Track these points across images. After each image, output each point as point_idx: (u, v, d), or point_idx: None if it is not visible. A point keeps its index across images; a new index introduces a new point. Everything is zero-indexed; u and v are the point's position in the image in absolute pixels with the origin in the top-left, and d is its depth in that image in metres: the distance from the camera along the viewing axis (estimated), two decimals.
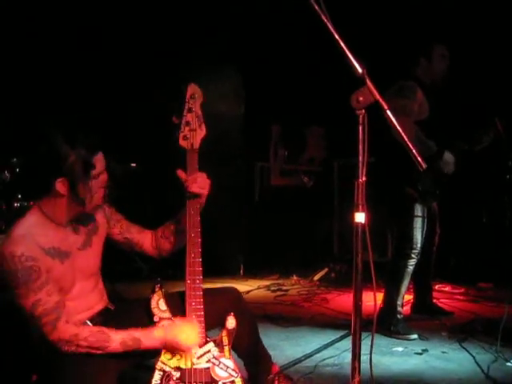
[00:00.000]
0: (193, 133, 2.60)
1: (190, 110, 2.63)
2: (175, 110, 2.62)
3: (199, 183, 2.56)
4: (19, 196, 5.12)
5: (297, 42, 6.79)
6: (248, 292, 6.20)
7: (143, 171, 7.05)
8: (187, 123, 2.61)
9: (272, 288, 6.50)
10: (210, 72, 6.87)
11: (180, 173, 2.57)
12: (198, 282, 2.51)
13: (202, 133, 2.63)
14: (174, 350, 2.44)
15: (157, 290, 2.57)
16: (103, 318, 2.59)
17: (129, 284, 5.62)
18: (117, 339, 2.34)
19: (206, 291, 2.56)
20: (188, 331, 2.43)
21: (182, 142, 2.60)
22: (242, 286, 6.45)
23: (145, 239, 2.80)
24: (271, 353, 3.05)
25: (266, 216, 7.74)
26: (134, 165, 7.00)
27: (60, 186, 2.34)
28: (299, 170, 8.35)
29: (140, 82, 6.70)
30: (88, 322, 2.52)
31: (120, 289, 4.99)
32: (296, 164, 8.37)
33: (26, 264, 2.25)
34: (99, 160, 2.41)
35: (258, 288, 6.49)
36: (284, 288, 6.50)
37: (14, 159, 5.13)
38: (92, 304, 2.59)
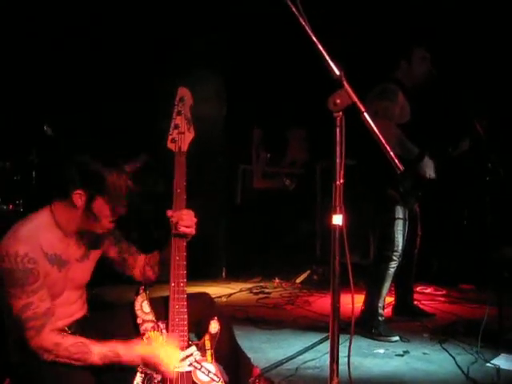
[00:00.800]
0: (181, 136, 2.61)
1: (179, 113, 2.63)
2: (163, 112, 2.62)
3: (186, 222, 2.53)
4: None
5: (277, 45, 6.79)
6: (230, 295, 6.18)
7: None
8: (176, 126, 2.61)
9: (254, 291, 6.48)
10: (191, 74, 6.85)
11: (168, 212, 2.54)
12: (182, 285, 2.50)
13: (190, 136, 2.63)
14: (151, 367, 2.41)
15: (141, 292, 2.57)
16: (81, 326, 2.58)
17: (110, 288, 5.58)
18: (97, 353, 2.32)
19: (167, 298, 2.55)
20: (169, 353, 2.41)
21: (170, 145, 2.60)
22: (224, 289, 6.45)
23: (137, 263, 2.79)
24: (253, 355, 3.05)
25: (248, 218, 7.73)
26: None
27: (77, 197, 2.36)
28: (281, 172, 8.35)
29: (121, 84, 6.66)
30: (66, 329, 2.50)
31: (101, 292, 4.97)
32: (278, 167, 8.37)
33: (27, 265, 2.25)
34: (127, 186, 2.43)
35: (241, 291, 6.47)
36: (266, 291, 6.49)
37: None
38: (73, 312, 2.59)
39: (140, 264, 2.79)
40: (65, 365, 2.30)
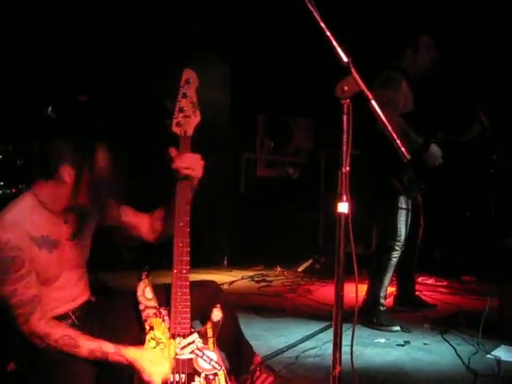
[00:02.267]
0: (187, 119, 2.52)
1: (184, 96, 2.53)
2: (168, 95, 2.56)
3: (189, 162, 2.49)
4: (1, 183, 5.09)
5: (284, 32, 6.76)
6: (232, 282, 6.19)
7: (129, 159, 7.00)
8: (181, 109, 2.52)
9: (256, 279, 6.50)
10: (196, 61, 6.82)
11: (171, 150, 2.50)
12: (184, 271, 2.46)
13: (196, 119, 2.54)
14: (140, 371, 2.35)
15: (143, 277, 2.52)
16: (85, 311, 2.56)
17: (111, 274, 5.59)
18: (86, 348, 2.30)
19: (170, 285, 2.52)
20: (158, 367, 2.36)
21: (174, 129, 2.52)
22: (226, 277, 6.46)
23: (142, 223, 2.72)
24: (254, 343, 3.05)
25: (251, 207, 7.73)
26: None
27: (65, 172, 2.32)
28: (285, 161, 8.33)
29: (126, 69, 6.65)
30: (70, 314, 2.49)
31: (102, 278, 4.97)
32: (282, 155, 8.35)
33: (9, 253, 2.21)
34: (103, 156, 2.40)
35: (242, 278, 6.49)
36: (268, 279, 6.50)
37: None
38: (76, 296, 2.56)
39: (145, 222, 2.73)
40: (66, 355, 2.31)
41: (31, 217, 2.33)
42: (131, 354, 2.35)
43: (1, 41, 5.96)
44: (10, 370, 2.47)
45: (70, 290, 2.52)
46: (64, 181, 2.33)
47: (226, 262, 7.40)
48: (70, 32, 6.33)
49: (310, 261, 7.19)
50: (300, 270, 7.02)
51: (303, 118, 8.41)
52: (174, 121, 2.53)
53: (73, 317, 2.49)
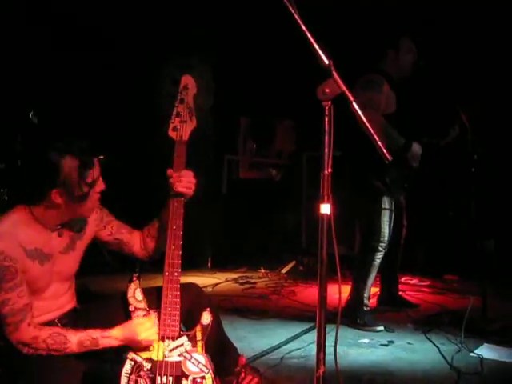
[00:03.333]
0: (183, 124, 2.57)
1: (181, 101, 2.59)
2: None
3: (184, 182, 2.53)
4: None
5: (266, 34, 6.78)
6: (216, 285, 6.19)
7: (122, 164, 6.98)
8: (178, 114, 2.57)
9: (240, 281, 6.49)
10: (180, 63, 6.83)
11: (168, 171, 2.54)
12: (176, 274, 2.48)
13: (192, 125, 2.60)
14: (134, 345, 2.42)
15: (134, 279, 2.54)
16: (71, 318, 2.57)
17: (95, 277, 5.56)
18: (74, 340, 2.33)
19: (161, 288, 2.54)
20: (146, 326, 2.42)
21: (171, 133, 2.57)
22: (210, 279, 6.45)
23: (134, 240, 2.76)
24: (238, 345, 3.05)
25: (233, 209, 7.71)
26: (101, 157, 6.90)
27: (55, 196, 2.31)
28: (267, 163, 8.34)
29: (113, 72, 6.63)
30: (56, 322, 2.50)
31: (87, 282, 4.95)
32: (264, 157, 8.36)
33: (3, 263, 2.22)
34: (95, 167, 2.37)
35: (226, 281, 6.48)
36: (252, 281, 6.50)
37: None
38: (62, 304, 2.57)
39: (137, 240, 2.76)
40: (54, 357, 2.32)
41: (25, 230, 2.33)
42: (118, 331, 2.40)
43: None
44: None
45: (57, 299, 2.53)
46: (56, 203, 2.33)
47: (209, 264, 7.38)
48: (56, 32, 6.31)
49: (294, 262, 7.20)
50: (283, 271, 7.02)
51: (285, 120, 8.42)
52: (171, 125, 2.59)
53: (59, 324, 2.49)
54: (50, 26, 6.25)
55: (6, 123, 5.36)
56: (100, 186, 2.44)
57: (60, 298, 2.55)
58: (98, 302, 2.83)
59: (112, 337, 2.39)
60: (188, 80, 2.63)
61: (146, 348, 2.42)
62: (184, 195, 2.56)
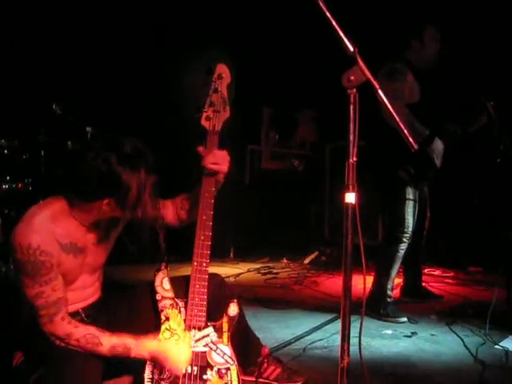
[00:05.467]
0: (216, 114, 2.55)
1: (215, 91, 2.57)
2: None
3: (216, 159, 2.52)
4: (7, 178, 5.09)
5: (289, 24, 6.74)
6: (238, 275, 6.19)
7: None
8: (211, 103, 2.55)
9: (262, 271, 6.50)
10: (200, 54, 6.81)
11: (200, 149, 2.53)
12: (204, 264, 2.48)
13: (225, 115, 2.58)
14: (160, 364, 2.39)
15: (162, 268, 2.55)
16: (95, 309, 2.58)
17: (116, 267, 5.59)
18: (107, 344, 2.33)
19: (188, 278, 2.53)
20: (180, 354, 2.39)
21: (203, 122, 2.55)
22: (232, 269, 6.46)
23: (168, 212, 2.75)
24: (261, 335, 3.05)
25: (256, 199, 7.72)
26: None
27: (105, 204, 2.30)
28: (290, 153, 8.33)
29: (131, 63, 6.64)
30: (80, 312, 2.51)
31: (108, 272, 4.97)
32: (287, 147, 8.34)
33: (39, 258, 2.22)
34: (154, 180, 2.36)
35: (248, 271, 6.49)
36: (274, 271, 6.51)
37: (3, 141, 5.10)
38: (88, 295, 2.58)
39: (169, 211, 2.74)
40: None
41: (61, 223, 2.32)
42: (153, 345, 2.38)
43: (10, 37, 5.99)
44: (19, 361, 2.48)
45: (83, 290, 2.54)
46: (101, 208, 2.32)
47: (232, 254, 7.40)
48: (73, 30, 6.33)
49: (316, 253, 7.19)
50: (306, 262, 7.02)
51: (308, 111, 8.40)
52: (204, 114, 2.56)
53: (82, 315, 2.51)
54: (81, 19, 6.28)
55: (30, 115, 5.39)
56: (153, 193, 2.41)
57: (86, 289, 2.55)
58: (123, 291, 2.82)
59: (146, 349, 2.36)
60: (222, 69, 2.61)
61: (173, 372, 2.39)
62: (216, 172, 2.55)
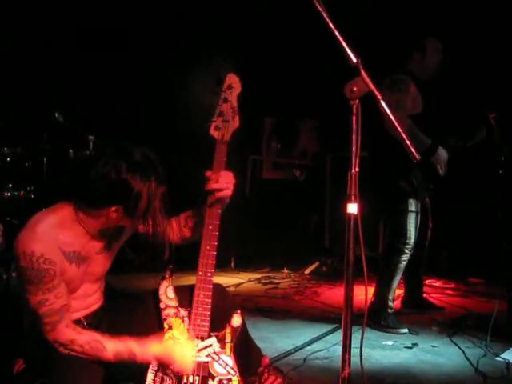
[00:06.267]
0: (226, 124, 2.55)
1: (225, 100, 2.56)
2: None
3: (222, 182, 2.51)
4: (10, 185, 5.10)
5: (291, 33, 6.76)
6: (239, 285, 6.19)
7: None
8: (221, 113, 2.55)
9: (263, 281, 6.48)
10: (203, 63, 6.84)
11: (208, 173, 2.52)
12: (209, 274, 2.48)
13: (234, 125, 2.57)
14: (165, 366, 2.39)
15: (167, 277, 2.54)
16: (97, 317, 2.56)
17: (118, 276, 5.57)
18: (111, 350, 2.31)
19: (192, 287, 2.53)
20: (184, 353, 2.39)
21: (212, 132, 2.54)
22: (233, 279, 6.45)
23: (171, 229, 2.73)
24: (261, 345, 3.04)
25: (257, 209, 7.72)
26: None
27: (113, 211, 2.29)
28: (291, 163, 8.33)
29: (134, 71, 6.65)
30: (82, 320, 2.49)
31: (110, 280, 4.96)
32: (288, 157, 8.34)
33: (42, 266, 2.20)
34: (164, 190, 2.34)
35: (249, 281, 6.48)
36: (275, 281, 6.49)
37: (5, 148, 5.11)
38: (90, 304, 2.57)
39: (174, 228, 2.73)
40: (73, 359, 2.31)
41: (65, 231, 2.31)
42: (157, 349, 2.37)
43: (13, 43, 6.01)
44: (18, 370, 2.48)
45: (85, 299, 2.52)
46: (109, 215, 2.31)
47: (232, 264, 7.38)
48: (78, 38, 6.35)
49: (317, 263, 7.18)
50: (307, 272, 7.01)
51: (310, 120, 8.41)
52: (213, 124, 2.55)
53: (84, 323, 2.49)
54: (87, 25, 6.30)
55: (32, 122, 5.41)
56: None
57: (89, 298, 2.54)
58: (125, 299, 2.80)
59: (150, 352, 2.36)
60: (233, 79, 2.60)
61: (179, 372, 2.39)
62: (222, 196, 2.54)
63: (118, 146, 2.30)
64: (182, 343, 2.43)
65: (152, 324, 2.53)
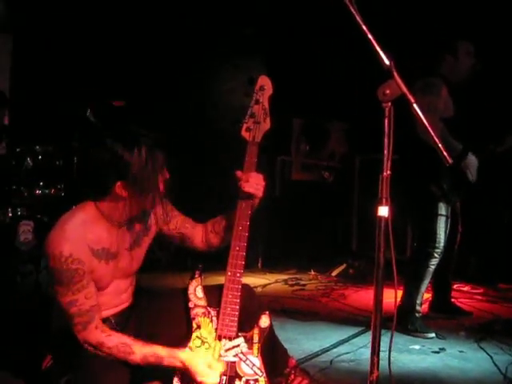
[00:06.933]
0: (257, 125, 2.56)
1: (256, 102, 2.58)
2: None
3: (252, 183, 2.52)
4: (41, 183, 5.15)
5: (322, 35, 6.76)
6: (266, 285, 6.20)
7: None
8: (252, 114, 2.56)
9: (290, 282, 6.49)
10: (233, 63, 6.86)
11: (238, 173, 2.54)
12: (238, 275, 2.49)
13: (266, 126, 2.58)
14: (189, 375, 2.39)
15: (196, 276, 2.56)
16: (125, 316, 2.59)
17: (145, 275, 5.61)
18: (139, 354, 2.33)
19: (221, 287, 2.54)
20: (211, 369, 2.38)
21: (244, 133, 2.56)
22: (260, 280, 6.46)
23: (197, 234, 2.76)
24: (288, 346, 3.04)
25: (285, 210, 7.72)
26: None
27: (120, 189, 2.30)
28: (320, 165, 8.32)
29: (166, 70, 6.70)
30: (111, 318, 2.52)
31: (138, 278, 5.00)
32: (317, 159, 8.33)
33: (71, 266, 2.23)
34: (160, 158, 2.35)
35: (276, 282, 6.49)
36: (302, 282, 6.49)
37: (37, 147, 5.16)
38: (121, 302, 2.59)
39: (199, 233, 2.75)
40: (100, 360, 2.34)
41: (93, 229, 2.33)
42: (185, 356, 2.37)
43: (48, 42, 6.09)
44: (46, 366, 2.51)
45: (116, 296, 2.54)
46: (121, 195, 2.32)
47: (260, 264, 7.40)
48: (113, 29, 6.41)
49: (344, 265, 7.16)
50: (334, 274, 6.99)
51: (339, 122, 8.39)
52: (244, 125, 2.57)
53: (112, 321, 2.52)
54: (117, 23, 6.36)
55: (63, 121, 5.46)
56: (164, 175, 2.41)
57: (119, 296, 2.56)
58: (154, 297, 2.81)
59: (177, 359, 2.36)
60: (265, 81, 2.61)
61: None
62: (252, 197, 2.55)
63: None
64: (209, 356, 2.42)
65: (180, 323, 2.54)
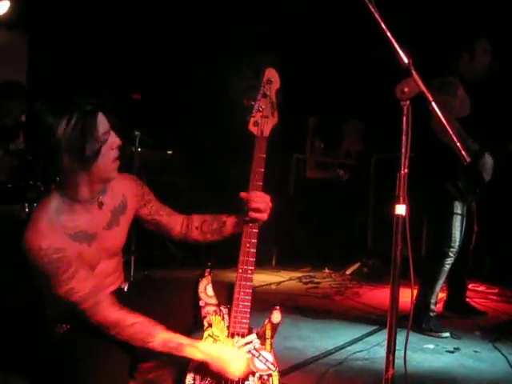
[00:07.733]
0: (265, 119, 2.51)
1: (264, 95, 2.53)
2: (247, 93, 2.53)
3: (259, 205, 2.46)
4: (57, 178, 5.15)
5: (337, 34, 6.74)
6: (279, 283, 6.21)
7: (179, 159, 7.07)
8: (260, 108, 2.52)
9: (304, 280, 6.50)
10: (248, 61, 6.86)
11: (242, 194, 2.47)
12: (249, 272, 2.46)
13: (274, 120, 2.53)
14: (212, 369, 2.35)
15: (206, 274, 2.52)
16: (120, 299, 2.45)
17: (161, 271, 5.64)
18: (160, 337, 2.26)
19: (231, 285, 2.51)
20: (238, 361, 2.37)
21: (251, 128, 2.51)
22: (274, 277, 6.47)
23: (174, 224, 2.68)
24: (302, 344, 3.05)
25: (300, 208, 7.72)
26: (169, 152, 6.98)
27: (67, 161, 2.19)
28: (335, 162, 8.31)
29: (179, 66, 6.72)
30: None
31: (152, 275, 5.02)
32: (332, 157, 8.33)
33: (53, 256, 2.16)
34: (101, 122, 2.24)
35: (290, 279, 6.50)
36: (316, 280, 6.50)
37: None
38: (109, 284, 2.52)
39: (177, 224, 2.69)
40: (100, 344, 2.26)
41: (65, 215, 2.27)
42: (208, 349, 2.34)
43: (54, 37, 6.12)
44: (62, 332, 2.46)
45: (104, 278, 2.46)
46: (72, 168, 2.22)
47: (274, 262, 7.41)
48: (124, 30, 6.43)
49: (358, 263, 7.15)
50: (348, 272, 6.98)
51: (354, 121, 8.38)
52: (252, 120, 2.52)
53: None
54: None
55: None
56: (114, 141, 2.29)
57: (108, 277, 2.50)
58: (160, 290, 2.73)
59: (199, 349, 2.32)
60: (272, 73, 2.56)
61: (226, 376, 2.36)
62: (257, 219, 2.49)
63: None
64: (234, 351, 2.40)
65: (186, 318, 2.50)
